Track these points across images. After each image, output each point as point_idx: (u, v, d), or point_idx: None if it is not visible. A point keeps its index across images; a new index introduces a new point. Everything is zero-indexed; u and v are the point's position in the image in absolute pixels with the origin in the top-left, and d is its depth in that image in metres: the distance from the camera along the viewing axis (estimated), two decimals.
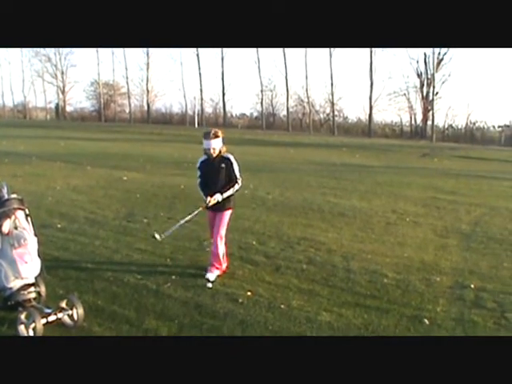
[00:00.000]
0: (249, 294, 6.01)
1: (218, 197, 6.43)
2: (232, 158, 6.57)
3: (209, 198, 6.44)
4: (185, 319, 5.27)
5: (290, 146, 30.40)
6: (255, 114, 57.38)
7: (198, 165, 6.69)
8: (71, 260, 7.06)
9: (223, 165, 6.50)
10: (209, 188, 6.52)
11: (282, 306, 5.68)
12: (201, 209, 6.65)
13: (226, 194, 6.49)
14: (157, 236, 6.30)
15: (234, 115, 59.17)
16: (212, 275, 6.48)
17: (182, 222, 6.77)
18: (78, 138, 31.91)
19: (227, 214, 6.67)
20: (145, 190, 12.85)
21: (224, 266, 6.69)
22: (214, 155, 6.47)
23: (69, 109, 66.07)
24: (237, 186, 6.58)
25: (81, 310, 4.96)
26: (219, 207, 6.55)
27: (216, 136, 6.43)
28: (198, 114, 54.62)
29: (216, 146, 6.43)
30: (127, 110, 61.72)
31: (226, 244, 6.72)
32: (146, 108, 59.53)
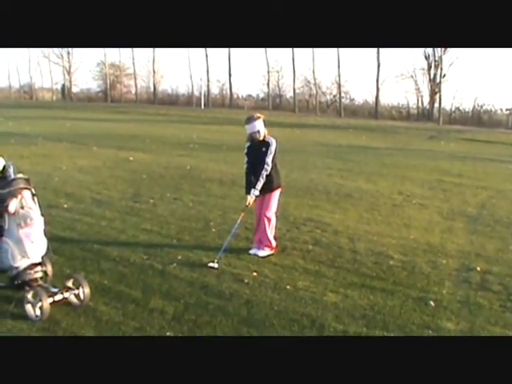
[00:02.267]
0: (254, 274, 6.02)
1: (254, 192, 6.46)
2: (272, 141, 6.52)
3: (248, 198, 6.50)
4: (190, 299, 5.30)
5: (297, 128, 30.26)
6: (261, 95, 57.15)
7: (245, 150, 6.71)
8: (78, 240, 7.09)
9: (264, 148, 6.48)
10: (253, 173, 6.52)
11: (288, 287, 5.69)
12: (243, 214, 6.65)
13: (258, 186, 6.45)
14: (212, 265, 6.16)
15: (240, 96, 58.86)
16: (263, 252, 6.62)
17: (230, 236, 6.66)
18: (84, 118, 31.90)
19: (276, 193, 6.64)
20: (151, 171, 12.85)
21: (274, 244, 6.73)
22: (261, 138, 6.47)
23: (75, 90, 65.94)
24: (264, 173, 6.43)
25: (87, 290, 4.99)
26: (266, 188, 6.51)
27: (258, 118, 6.46)
28: (204, 95, 54.35)
29: (261, 127, 6.43)
30: (133, 91, 61.55)
31: (275, 225, 6.81)
32: (152, 89, 59.35)
